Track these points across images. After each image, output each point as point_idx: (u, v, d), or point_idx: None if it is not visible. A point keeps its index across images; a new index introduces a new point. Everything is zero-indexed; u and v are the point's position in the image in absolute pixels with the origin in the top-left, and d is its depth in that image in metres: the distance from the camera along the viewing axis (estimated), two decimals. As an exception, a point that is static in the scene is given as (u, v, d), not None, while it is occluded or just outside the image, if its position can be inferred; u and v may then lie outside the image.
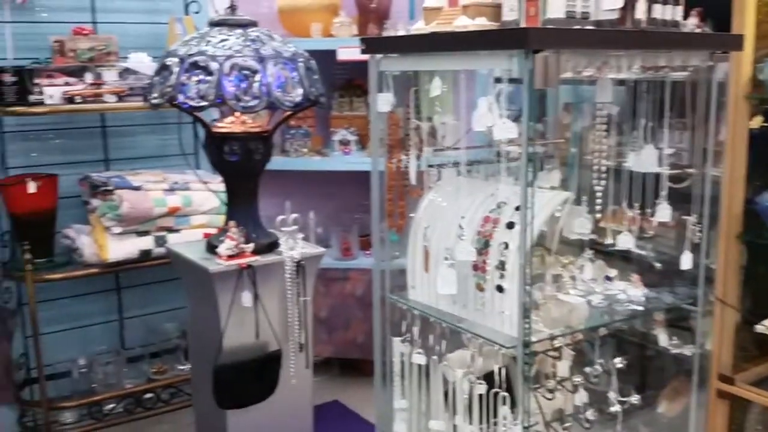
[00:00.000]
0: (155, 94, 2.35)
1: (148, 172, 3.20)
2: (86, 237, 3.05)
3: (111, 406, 3.20)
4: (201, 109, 2.31)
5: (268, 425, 2.57)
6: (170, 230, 3.10)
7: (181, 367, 3.34)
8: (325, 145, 3.59)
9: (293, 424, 2.63)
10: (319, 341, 3.52)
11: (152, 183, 3.08)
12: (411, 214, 1.89)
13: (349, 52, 3.18)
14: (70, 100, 2.94)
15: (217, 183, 3.23)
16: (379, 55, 1.77)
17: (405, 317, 1.85)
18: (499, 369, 1.61)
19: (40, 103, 2.89)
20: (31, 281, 2.89)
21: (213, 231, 2.78)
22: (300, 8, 3.40)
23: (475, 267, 1.64)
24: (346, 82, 3.64)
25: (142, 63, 3.11)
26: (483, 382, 1.67)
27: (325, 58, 2.95)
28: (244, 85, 2.29)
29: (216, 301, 2.41)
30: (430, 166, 1.83)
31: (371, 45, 1.80)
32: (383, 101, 1.77)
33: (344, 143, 3.48)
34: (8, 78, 2.87)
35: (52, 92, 2.92)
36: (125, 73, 3.10)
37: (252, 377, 2.48)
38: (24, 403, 3.17)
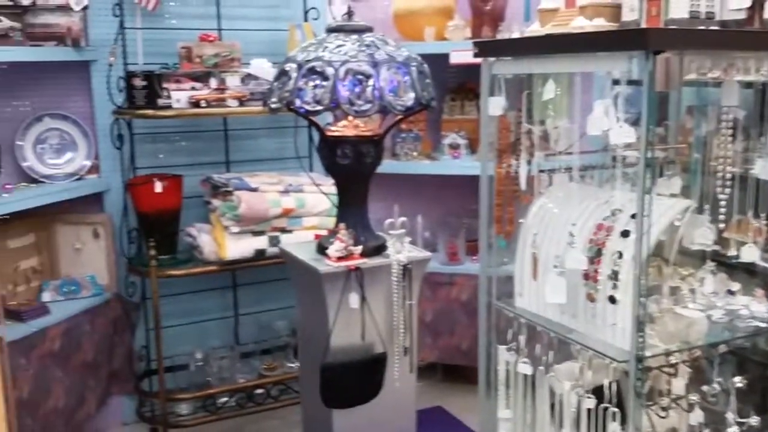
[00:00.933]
0: (274, 99, 2.41)
1: (265, 174, 3.29)
2: (207, 235, 3.17)
3: (224, 399, 3.30)
4: (316, 113, 2.35)
5: (371, 427, 2.57)
6: (283, 231, 3.17)
7: (291, 365, 3.41)
8: (435, 149, 3.58)
9: (396, 427, 2.63)
10: (424, 346, 3.50)
11: (268, 184, 3.17)
12: (520, 220, 1.84)
13: (462, 55, 3.16)
14: (195, 104, 3.06)
15: (329, 185, 3.29)
16: (491, 59, 1.74)
17: (511, 325, 1.80)
18: (610, 383, 1.55)
19: (168, 107, 3.03)
20: (154, 276, 3.02)
21: (324, 232, 2.82)
22: (415, 12, 3.41)
23: (586, 276, 1.58)
24: (458, 85, 3.62)
25: (263, 68, 3.20)
26: (592, 395, 1.60)
27: (437, 61, 2.94)
28: (357, 89, 2.31)
29: (324, 302, 2.44)
30: (542, 171, 1.78)
31: (484, 48, 1.77)
32: (495, 105, 1.74)
33: (454, 147, 3.46)
34: (139, 82, 3.03)
35: (179, 96, 3.05)
36: (247, 78, 3.20)
37: (357, 378, 2.49)
38: (143, 393, 3.32)
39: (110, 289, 3.25)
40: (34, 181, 3.09)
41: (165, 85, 3.05)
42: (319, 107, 2.32)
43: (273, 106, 2.41)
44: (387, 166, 2.89)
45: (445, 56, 3.28)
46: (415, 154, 3.51)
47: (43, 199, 2.98)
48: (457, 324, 3.54)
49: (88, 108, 3.25)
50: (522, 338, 1.80)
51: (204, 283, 3.45)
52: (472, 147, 3.45)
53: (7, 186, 2.89)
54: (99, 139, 3.24)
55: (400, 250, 2.51)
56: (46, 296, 3.08)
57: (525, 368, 1.79)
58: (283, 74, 2.40)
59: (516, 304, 1.84)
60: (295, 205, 3.16)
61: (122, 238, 3.27)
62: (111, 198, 3.28)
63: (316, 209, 3.21)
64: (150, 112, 3.02)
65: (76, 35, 3.05)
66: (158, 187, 3.11)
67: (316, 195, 3.21)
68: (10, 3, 2.87)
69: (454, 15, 3.39)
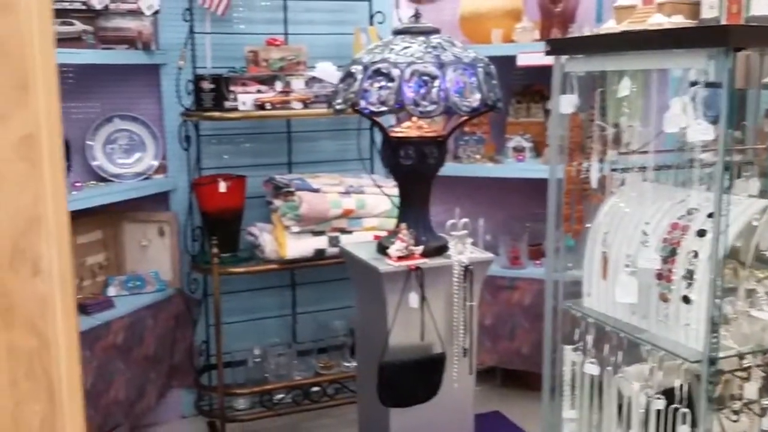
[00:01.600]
0: (339, 100, 2.43)
1: (326, 176, 3.32)
2: (268, 235, 3.21)
3: (280, 396, 3.34)
4: (380, 114, 2.36)
5: (429, 428, 2.56)
6: (343, 231, 3.20)
7: (347, 364, 3.42)
8: (499, 152, 3.56)
9: (454, 429, 2.61)
10: (483, 349, 3.47)
11: (330, 186, 3.20)
12: (590, 220, 1.82)
13: (530, 57, 3.14)
14: (261, 106, 3.11)
15: (390, 187, 3.30)
16: (563, 56, 1.73)
17: (578, 325, 1.78)
18: (680, 385, 1.51)
19: (235, 109, 3.08)
20: (216, 273, 3.08)
21: (383, 234, 2.83)
22: (482, 14, 3.41)
23: (659, 276, 1.55)
24: (523, 87, 3.60)
25: (328, 72, 3.24)
26: (662, 397, 1.57)
27: (503, 63, 2.93)
28: (423, 90, 2.31)
29: (384, 301, 2.45)
30: (614, 170, 1.76)
31: (557, 46, 1.76)
32: (566, 103, 1.72)
33: (518, 150, 3.43)
34: (207, 85, 3.09)
35: (245, 99, 3.11)
36: (311, 81, 3.24)
37: (415, 378, 2.48)
38: (202, 387, 3.37)
39: (173, 285, 3.32)
40: (103, 179, 3.18)
41: (232, 88, 3.11)
42: (384, 108, 2.34)
43: (338, 107, 2.44)
44: (449, 168, 2.89)
45: (512, 58, 3.26)
46: (478, 156, 3.49)
47: (111, 197, 3.06)
48: (517, 328, 3.51)
49: (157, 110, 3.33)
50: (589, 338, 1.77)
51: (263, 282, 3.49)
52: (537, 150, 3.42)
53: (76, 184, 2.98)
54: (167, 140, 3.32)
55: (462, 251, 2.50)
56: (111, 291, 3.16)
57: (592, 369, 1.76)
58: (348, 76, 2.42)
59: (584, 304, 1.81)
60: (355, 206, 3.18)
61: (186, 236, 3.34)
62: (177, 197, 3.36)
63: (376, 210, 3.23)
64: (217, 114, 3.08)
65: (147, 39, 3.13)
66: (222, 187, 3.17)
67: (377, 196, 3.23)
68: (84, 7, 2.96)
69: (522, 17, 3.38)
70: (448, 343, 2.52)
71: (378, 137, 3.33)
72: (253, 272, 3.21)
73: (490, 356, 3.57)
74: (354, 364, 3.43)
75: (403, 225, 2.48)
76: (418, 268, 2.44)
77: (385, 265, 2.43)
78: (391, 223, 3.03)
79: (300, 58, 3.27)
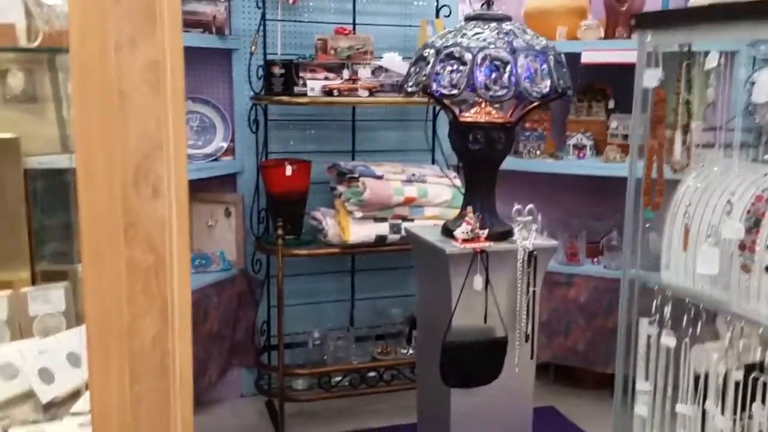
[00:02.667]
0: (411, 83, 2.46)
1: (389, 164, 3.35)
2: (331, 219, 3.25)
3: (338, 378, 3.37)
4: (452, 97, 2.38)
5: (489, 409, 2.56)
6: (404, 219, 3.22)
7: (404, 351, 3.44)
8: (558, 149, 3.55)
9: (513, 412, 2.61)
10: (538, 344, 3.45)
11: (392, 173, 3.23)
12: (671, 193, 1.81)
13: (594, 54, 3.13)
14: (329, 92, 3.16)
15: (452, 178, 3.32)
16: (648, 31, 1.73)
17: (654, 297, 1.77)
18: (762, 356, 1.50)
19: (303, 95, 3.14)
20: (280, 255, 3.13)
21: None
22: (547, 11, 3.41)
23: (742, 246, 1.54)
24: (586, 86, 3.59)
25: (394, 62, 3.28)
26: (741, 367, 1.55)
27: (567, 61, 2.91)
28: (494, 75, 2.33)
29: (449, 282, 2.46)
30: (697, 145, 1.75)
31: (644, 20, 1.76)
32: (651, 76, 1.72)
33: (579, 147, 3.42)
34: (277, 70, 3.16)
35: (313, 85, 3.17)
36: (378, 70, 3.28)
37: (477, 359, 2.49)
38: (262, 366, 3.42)
39: (238, 265, 3.38)
40: (175, 159, 3.25)
41: (301, 74, 3.17)
42: (455, 91, 2.35)
43: (409, 89, 2.46)
44: (510, 162, 2.88)
45: (575, 56, 3.25)
46: (538, 153, 3.49)
47: (183, 176, 3.13)
48: (573, 325, 3.49)
49: (227, 94, 3.41)
50: (666, 310, 1.76)
51: (324, 267, 3.54)
52: (598, 148, 3.40)
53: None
54: (236, 123, 3.39)
55: (527, 237, 2.50)
56: (179, 268, 3.23)
57: (669, 341, 1.75)
58: (420, 59, 2.45)
59: (662, 277, 1.80)
60: (417, 194, 3.21)
61: (252, 217, 3.40)
62: (244, 179, 3.43)
63: (437, 200, 3.25)
64: (286, 98, 3.15)
65: (221, 24, 3.21)
66: (288, 170, 3.23)
67: (439, 186, 3.26)
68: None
69: (587, 15, 3.37)
70: (510, 328, 2.52)
71: (440, 128, 3.36)
72: (315, 255, 3.25)
73: (544, 352, 3.54)
74: (410, 351, 3.45)
75: (470, 208, 2.49)
76: (483, 251, 2.45)
77: (451, 247, 2.45)
78: (453, 213, 3.04)
79: (367, 48, 3.31)
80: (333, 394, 3.32)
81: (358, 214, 3.17)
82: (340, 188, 3.25)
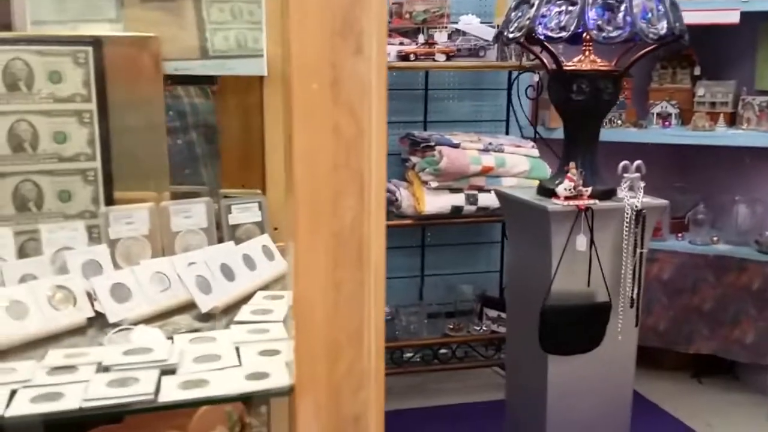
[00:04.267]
0: (512, 29, 2.25)
1: (463, 133, 3.15)
2: (405, 190, 3.05)
3: (410, 354, 3.16)
4: (558, 40, 2.18)
5: (588, 380, 2.34)
6: (481, 189, 3.02)
7: (476, 328, 3.22)
8: (640, 118, 3.32)
9: (614, 382, 2.38)
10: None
11: (469, 142, 3.03)
12: None
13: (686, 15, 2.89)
14: (405, 57, 2.98)
15: (529, 148, 3.11)
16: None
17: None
18: None
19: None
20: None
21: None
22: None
23: None
24: (670, 53, 3.35)
25: (472, 25, 3.08)
26: None
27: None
28: (607, 15, 2.12)
29: (549, 243, 2.25)
30: None
31: None
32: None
33: (663, 116, 3.19)
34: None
35: (389, 50, 2.97)
36: (455, 34, 3.09)
37: (578, 326, 2.27)
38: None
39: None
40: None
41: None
42: (563, 33, 2.15)
43: (510, 35, 2.26)
44: None
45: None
46: (619, 122, 3.26)
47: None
48: (655, 303, 3.24)
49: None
50: None
51: (394, 242, 3.32)
52: (683, 117, 3.17)
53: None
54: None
55: (635, 195, 2.28)
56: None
57: None
58: (523, 2, 2.24)
59: None
60: (494, 163, 3.00)
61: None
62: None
63: (515, 169, 3.03)
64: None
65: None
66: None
67: (516, 156, 3.05)
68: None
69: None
70: (614, 293, 2.29)
71: (516, 97, 3.17)
72: (389, 226, 3.03)
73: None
74: (483, 328, 3.23)
75: (572, 164, 2.28)
76: (588, 209, 2.23)
77: (552, 204, 2.23)
78: (530, 183, 2.83)
79: (444, 11, 3.11)
80: (405, 369, 3.11)
81: (434, 184, 2.97)
82: (414, 159, 3.05)
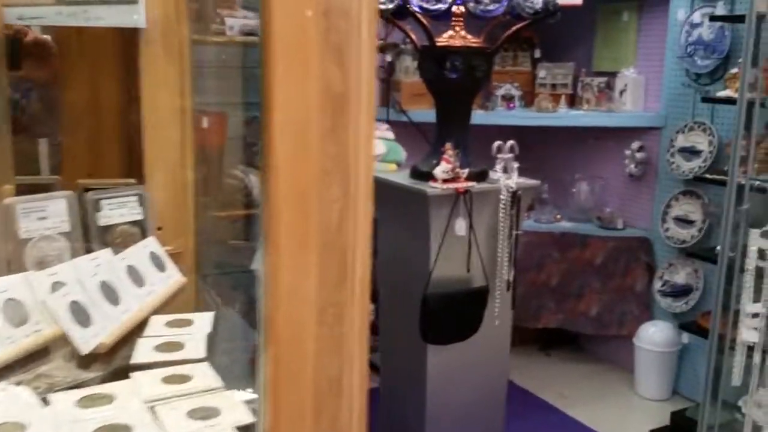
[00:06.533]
0: (382, 0, 2.02)
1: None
2: (255, 177, 2.72)
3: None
4: (434, 13, 1.99)
5: (466, 368, 2.20)
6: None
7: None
8: (486, 100, 3.24)
9: (491, 369, 2.27)
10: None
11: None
12: None
13: None
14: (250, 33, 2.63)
15: (384, 130, 2.90)
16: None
17: None
18: None
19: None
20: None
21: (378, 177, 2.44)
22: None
23: None
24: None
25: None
26: None
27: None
28: (484, -12, 1.96)
29: (428, 228, 2.07)
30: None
31: None
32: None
33: (507, 98, 3.14)
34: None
35: (231, 24, 2.61)
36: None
37: (459, 312, 2.12)
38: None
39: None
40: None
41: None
42: (441, 6, 1.97)
43: (384, 8, 2.02)
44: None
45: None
46: (466, 104, 3.15)
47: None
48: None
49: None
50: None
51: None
52: (526, 99, 3.13)
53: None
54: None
55: (509, 176, 2.15)
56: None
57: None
58: (396, -27, 2.02)
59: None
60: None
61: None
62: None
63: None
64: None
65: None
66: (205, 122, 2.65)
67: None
68: None
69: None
70: (491, 276, 2.16)
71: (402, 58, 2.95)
72: (243, 216, 2.70)
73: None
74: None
75: (449, 144, 2.10)
76: (467, 191, 2.07)
77: (431, 188, 2.04)
78: (386, 166, 2.64)
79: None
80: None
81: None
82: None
